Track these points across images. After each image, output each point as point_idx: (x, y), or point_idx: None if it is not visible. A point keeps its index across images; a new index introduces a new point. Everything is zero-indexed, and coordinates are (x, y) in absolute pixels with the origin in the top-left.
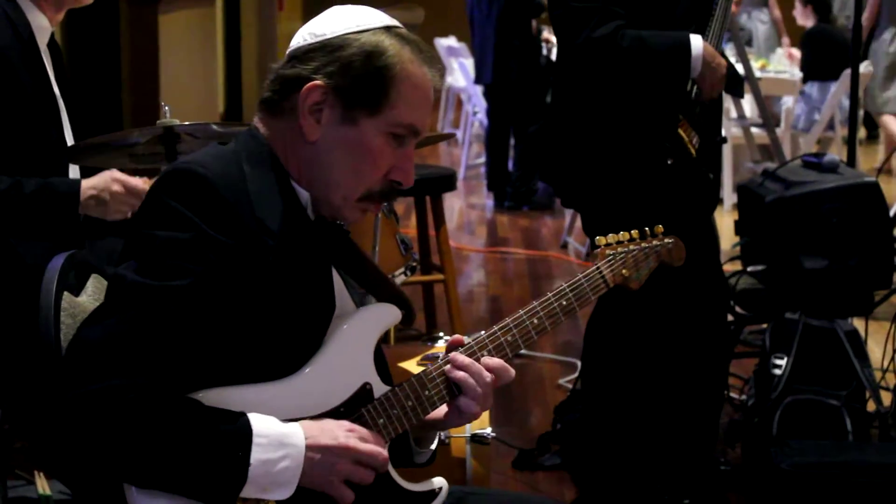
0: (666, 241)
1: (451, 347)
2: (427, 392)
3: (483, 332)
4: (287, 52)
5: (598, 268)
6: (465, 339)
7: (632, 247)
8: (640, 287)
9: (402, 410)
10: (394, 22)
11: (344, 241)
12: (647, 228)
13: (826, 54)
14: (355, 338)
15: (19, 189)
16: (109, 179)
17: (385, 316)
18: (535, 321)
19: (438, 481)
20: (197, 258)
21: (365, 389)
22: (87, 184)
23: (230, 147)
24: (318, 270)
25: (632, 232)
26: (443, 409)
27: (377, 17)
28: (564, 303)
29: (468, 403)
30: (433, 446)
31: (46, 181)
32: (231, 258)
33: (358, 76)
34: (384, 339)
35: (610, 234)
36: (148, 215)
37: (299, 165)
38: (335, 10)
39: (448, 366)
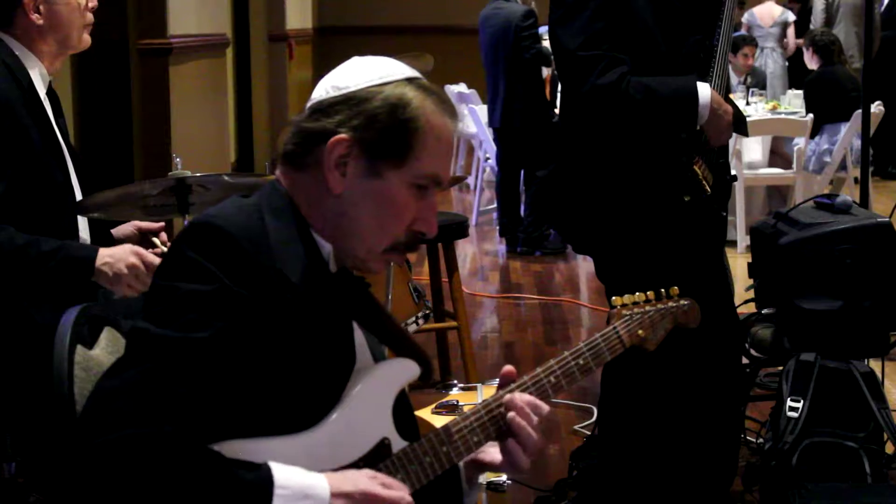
0: (682, 302)
1: (504, 381)
2: (445, 448)
3: (501, 392)
4: (309, 105)
5: (614, 328)
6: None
7: (648, 308)
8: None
9: (419, 466)
10: (415, 73)
11: (364, 294)
12: (662, 290)
13: (829, 98)
14: (374, 393)
15: (36, 247)
16: (129, 252)
17: (404, 371)
18: (553, 379)
19: None
20: (217, 311)
21: (383, 445)
22: (104, 252)
23: (252, 200)
24: (338, 324)
25: (647, 293)
26: (494, 454)
27: (399, 70)
28: (581, 362)
29: (517, 448)
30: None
31: (63, 243)
32: (252, 311)
33: (383, 129)
34: None
35: (626, 295)
36: (169, 268)
37: (323, 218)
38: (356, 62)
39: (485, 411)
